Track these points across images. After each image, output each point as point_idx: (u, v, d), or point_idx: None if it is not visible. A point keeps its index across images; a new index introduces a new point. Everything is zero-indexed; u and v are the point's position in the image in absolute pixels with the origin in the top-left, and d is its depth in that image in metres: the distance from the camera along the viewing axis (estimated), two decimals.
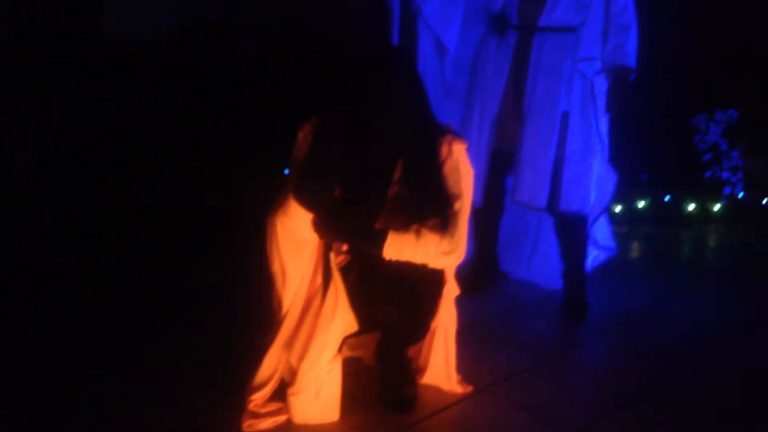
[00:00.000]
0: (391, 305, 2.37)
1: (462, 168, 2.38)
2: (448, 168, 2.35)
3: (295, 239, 2.32)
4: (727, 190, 4.81)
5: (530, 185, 3.32)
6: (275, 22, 4.22)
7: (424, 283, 2.37)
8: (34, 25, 4.52)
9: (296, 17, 4.03)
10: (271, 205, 2.32)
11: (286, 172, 2.36)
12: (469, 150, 3.52)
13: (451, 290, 2.54)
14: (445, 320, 2.58)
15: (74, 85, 4.34)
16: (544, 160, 3.28)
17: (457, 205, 2.33)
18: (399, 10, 3.24)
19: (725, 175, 4.81)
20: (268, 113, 3.87)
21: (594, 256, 3.61)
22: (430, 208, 2.30)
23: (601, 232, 3.62)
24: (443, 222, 2.29)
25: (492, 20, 3.39)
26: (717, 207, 4.80)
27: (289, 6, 4.11)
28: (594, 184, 3.39)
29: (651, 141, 4.67)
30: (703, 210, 4.82)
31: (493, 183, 3.48)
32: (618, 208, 4.40)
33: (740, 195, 4.77)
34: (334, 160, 2.31)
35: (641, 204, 4.77)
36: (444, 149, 2.36)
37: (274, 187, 2.35)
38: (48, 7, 4.45)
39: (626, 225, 4.50)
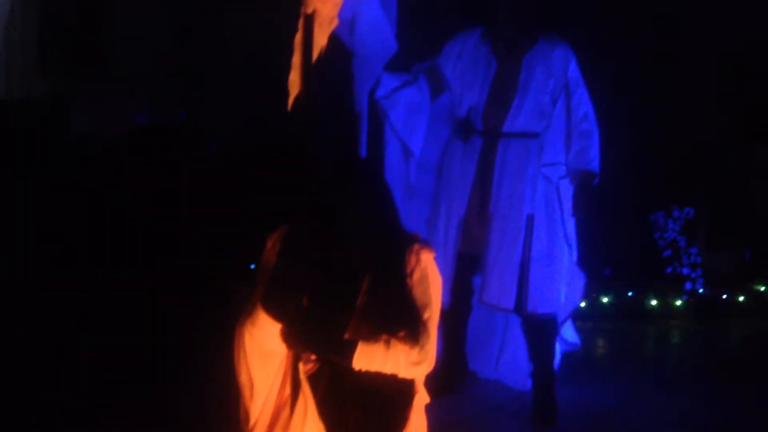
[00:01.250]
0: (361, 415, 2.33)
1: (430, 277, 2.39)
2: (416, 277, 2.36)
3: (263, 350, 2.29)
4: (688, 286, 4.92)
5: (497, 287, 3.35)
6: (242, 126, 4.30)
7: (394, 393, 2.34)
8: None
9: (262, 121, 4.11)
10: (238, 316, 2.31)
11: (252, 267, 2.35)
12: (435, 251, 3.56)
13: (421, 399, 2.51)
14: (416, 429, 2.54)
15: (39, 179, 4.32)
16: (510, 262, 3.33)
17: (426, 315, 2.33)
18: (367, 115, 3.32)
19: (685, 271, 4.91)
20: (236, 217, 3.89)
21: (560, 353, 3.63)
22: (399, 319, 2.30)
23: (566, 328, 3.64)
24: (412, 332, 2.28)
25: (457, 125, 3.49)
26: (679, 303, 4.89)
27: (256, 109, 4.19)
28: (563, 285, 3.44)
29: (612, 237, 4.78)
30: (666, 306, 4.89)
31: (460, 283, 3.50)
32: (582, 303, 4.46)
33: (701, 291, 4.87)
34: (302, 270, 2.31)
35: (605, 299, 4.84)
36: (412, 258, 2.38)
37: (240, 296, 2.34)
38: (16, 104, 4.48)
39: (590, 320, 4.55)
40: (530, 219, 3.34)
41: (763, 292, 5.04)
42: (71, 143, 4.40)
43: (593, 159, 3.39)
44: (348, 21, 3.19)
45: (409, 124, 3.40)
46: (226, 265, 3.66)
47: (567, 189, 3.47)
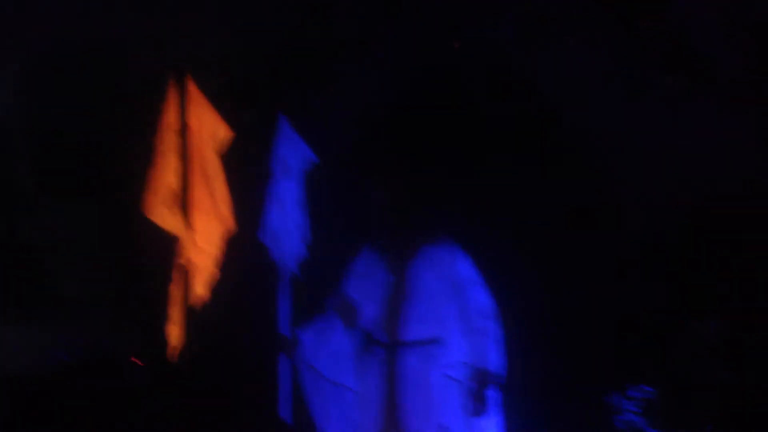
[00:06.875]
0: None
1: None
2: None
3: None
4: None
5: None
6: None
7: None
8: None
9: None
10: None
11: None
12: None
13: None
14: None
15: None
16: None
17: None
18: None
19: None
20: None
21: None
22: None
23: None
24: None
25: (361, 337, 3.45)
26: None
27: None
28: None
29: (566, 423, 4.60)
30: None
31: None
32: None
33: None
34: None
35: None
36: None
37: None
38: None
39: None
40: (443, 428, 3.24)
41: None
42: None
43: (490, 356, 3.31)
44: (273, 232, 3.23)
45: (338, 366, 3.39)
46: None
47: None
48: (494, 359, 3.30)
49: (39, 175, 4.98)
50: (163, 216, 2.75)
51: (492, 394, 3.28)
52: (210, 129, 2.87)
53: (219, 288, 2.89)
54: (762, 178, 5.11)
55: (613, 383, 4.85)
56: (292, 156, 3.32)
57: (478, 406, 3.25)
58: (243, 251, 3.17)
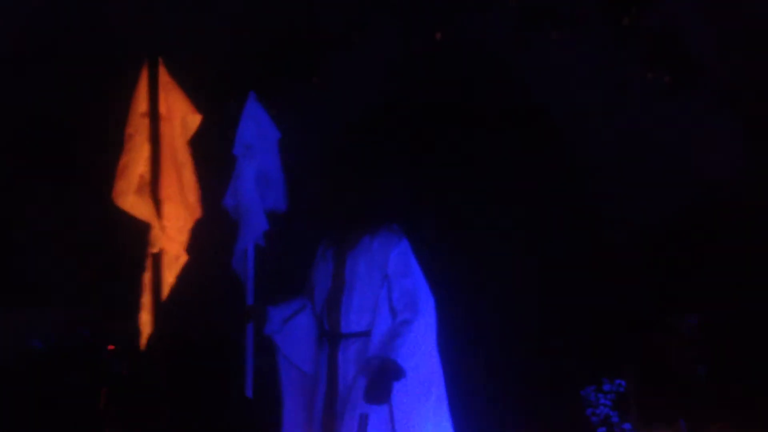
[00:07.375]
0: None
1: None
2: None
3: None
4: None
5: None
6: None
7: None
8: None
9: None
10: None
11: None
12: None
13: None
14: None
15: None
16: None
17: None
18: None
19: None
20: None
21: None
22: None
23: None
24: None
25: (317, 324, 3.46)
26: None
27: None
28: None
29: (543, 415, 4.64)
30: None
31: None
32: None
33: None
34: None
35: None
36: None
37: None
38: None
39: None
40: (363, 418, 3.18)
41: None
42: None
43: (400, 347, 3.19)
44: (234, 207, 3.28)
45: (301, 350, 3.41)
46: None
47: None
48: (399, 351, 3.17)
49: (15, 161, 4.97)
50: (135, 204, 2.78)
51: (397, 388, 3.17)
52: (181, 117, 2.89)
53: (189, 273, 2.92)
54: (745, 176, 5.14)
55: (589, 378, 4.89)
56: (258, 133, 3.33)
57: (377, 395, 3.15)
58: (212, 233, 3.20)
